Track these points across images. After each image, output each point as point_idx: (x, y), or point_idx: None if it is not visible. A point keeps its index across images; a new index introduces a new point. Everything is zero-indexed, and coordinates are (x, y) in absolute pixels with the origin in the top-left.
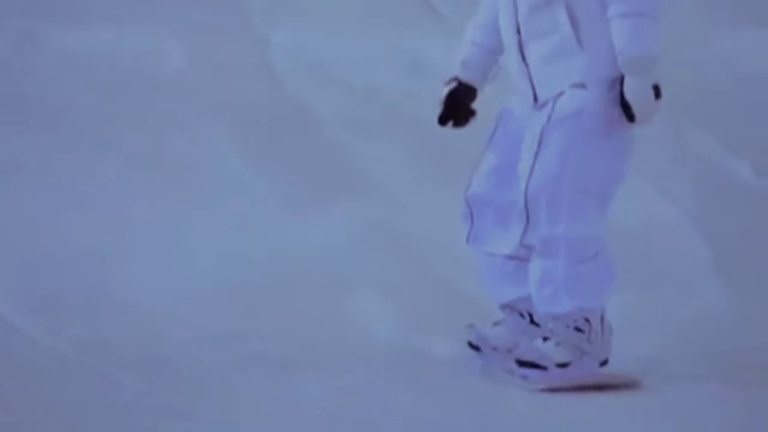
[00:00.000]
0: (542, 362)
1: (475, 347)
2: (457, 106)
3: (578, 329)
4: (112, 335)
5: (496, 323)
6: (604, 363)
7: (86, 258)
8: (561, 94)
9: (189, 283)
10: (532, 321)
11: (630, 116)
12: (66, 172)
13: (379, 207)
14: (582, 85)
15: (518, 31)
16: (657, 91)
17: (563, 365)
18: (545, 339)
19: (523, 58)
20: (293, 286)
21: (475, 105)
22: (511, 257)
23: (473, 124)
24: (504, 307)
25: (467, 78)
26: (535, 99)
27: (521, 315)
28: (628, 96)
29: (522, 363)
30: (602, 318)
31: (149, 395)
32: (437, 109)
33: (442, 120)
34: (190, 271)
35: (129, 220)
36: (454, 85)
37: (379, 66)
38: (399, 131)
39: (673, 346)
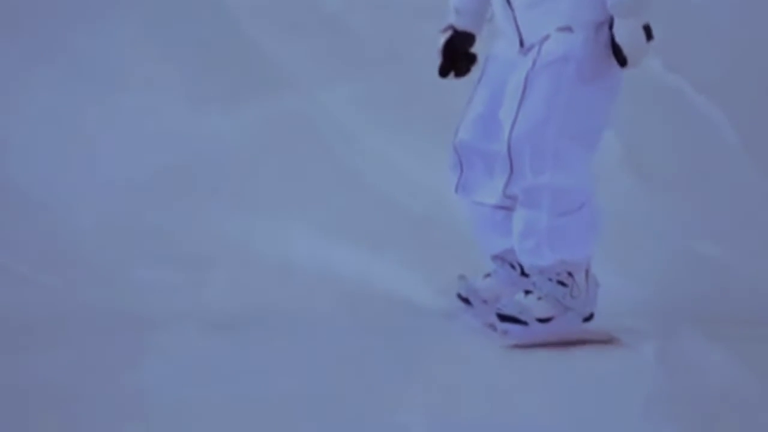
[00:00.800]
0: (523, 317)
1: (464, 300)
2: (456, 55)
3: (561, 283)
4: (11, 229)
5: (487, 275)
6: (589, 318)
7: None
8: (547, 38)
9: (91, 176)
10: (522, 272)
11: (621, 60)
12: None
13: (293, 103)
14: (568, 29)
15: None
16: (648, 33)
17: (545, 320)
18: (527, 293)
19: (509, 1)
20: (200, 181)
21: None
22: (499, 207)
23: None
24: (494, 258)
25: (462, 25)
26: (521, 44)
27: (512, 266)
28: (619, 39)
29: (503, 317)
30: (587, 271)
31: (60, 291)
32: (355, 5)
33: (443, 71)
34: (93, 166)
35: (30, 112)
36: (449, 33)
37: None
38: (316, 29)
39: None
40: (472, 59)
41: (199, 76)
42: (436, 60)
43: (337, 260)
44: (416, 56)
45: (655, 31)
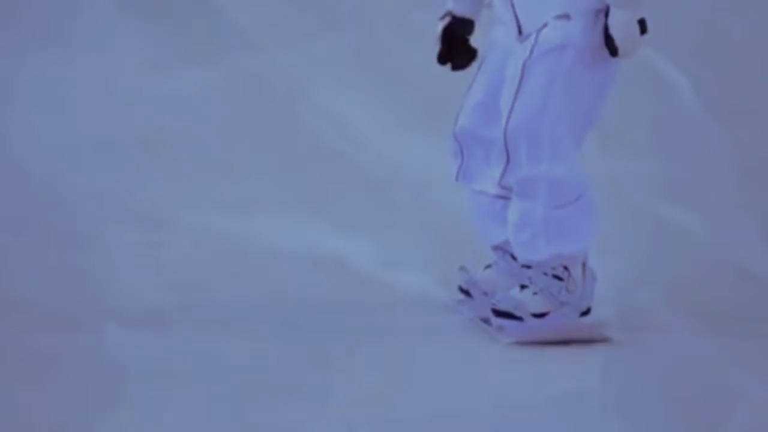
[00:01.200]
0: (518, 312)
1: (464, 291)
2: (455, 42)
3: (557, 277)
4: None
5: (487, 266)
6: (586, 312)
7: None
8: (545, 25)
9: (53, 138)
10: (529, 266)
11: (612, 50)
12: None
13: (254, 65)
14: (566, 16)
15: None
16: (643, 26)
17: (540, 315)
18: (523, 287)
19: None
20: (162, 143)
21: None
22: (499, 197)
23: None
24: (495, 248)
25: (461, 11)
26: (519, 31)
27: (513, 257)
28: (612, 29)
29: (498, 313)
30: (584, 265)
31: (21, 252)
32: None
33: (441, 58)
34: (54, 128)
35: None
36: (448, 20)
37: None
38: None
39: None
40: (471, 54)
41: (160, 38)
42: (433, 46)
43: (294, 220)
44: (378, 18)
45: None
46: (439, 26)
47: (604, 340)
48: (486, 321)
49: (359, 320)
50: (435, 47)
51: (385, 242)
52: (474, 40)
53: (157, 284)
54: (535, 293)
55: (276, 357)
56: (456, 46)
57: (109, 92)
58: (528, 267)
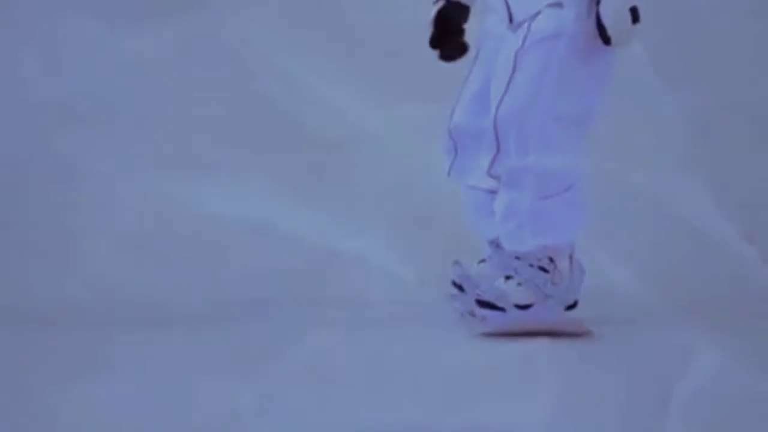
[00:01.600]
0: (500, 303)
1: (458, 286)
2: (448, 27)
3: (542, 269)
4: None
5: (481, 261)
6: (572, 306)
7: None
8: (537, 14)
9: (3, 97)
10: (518, 257)
11: (605, 39)
12: None
13: (208, 25)
14: (559, 5)
15: None
16: (635, 14)
17: (523, 307)
18: (507, 278)
19: None
20: (114, 102)
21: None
22: (492, 191)
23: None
24: (490, 243)
25: None
26: (510, 20)
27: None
28: (604, 17)
29: (481, 303)
30: (571, 257)
31: None
32: None
33: (434, 43)
34: (6, 87)
35: None
36: (442, 3)
37: None
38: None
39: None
40: (462, 48)
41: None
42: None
43: (243, 186)
44: None
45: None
46: (433, 10)
47: (586, 333)
48: (471, 313)
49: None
50: (426, 30)
51: (337, 213)
52: (468, 33)
53: (114, 239)
54: (519, 284)
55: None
56: (449, 33)
57: (64, 50)
58: (517, 258)
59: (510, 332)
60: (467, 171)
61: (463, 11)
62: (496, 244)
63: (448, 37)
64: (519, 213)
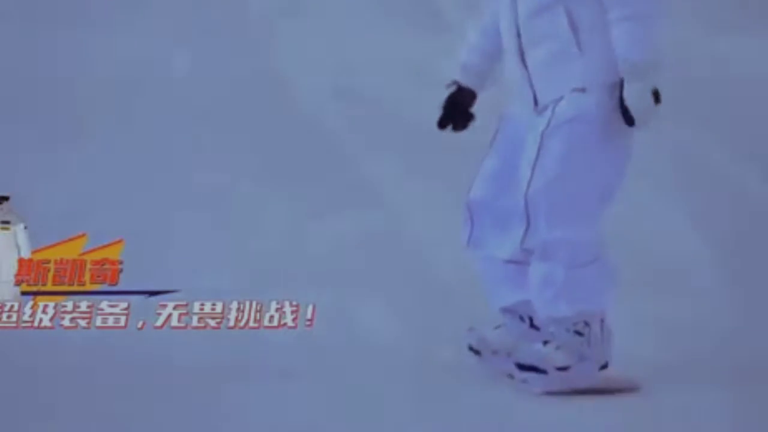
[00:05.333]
0: (542, 366)
1: (475, 351)
2: (457, 110)
3: (578, 333)
4: None
5: (497, 327)
6: (604, 366)
7: None
8: (561, 98)
9: None
10: (531, 325)
11: (629, 121)
12: None
13: (381, 215)
14: (582, 90)
15: (518, 35)
16: (657, 96)
17: (563, 369)
18: (545, 342)
19: (524, 62)
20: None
21: (477, 109)
22: (510, 261)
23: (473, 129)
24: (504, 311)
25: (467, 82)
26: (536, 103)
27: (521, 319)
28: (628, 101)
29: (522, 366)
30: (602, 321)
31: None
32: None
33: (442, 123)
34: None
35: None
36: (453, 89)
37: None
38: (399, 137)
39: (674, 349)
40: (470, 117)
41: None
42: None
43: None
44: None
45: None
46: (447, 94)
47: (634, 388)
48: (509, 376)
49: None
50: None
51: None
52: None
53: None
54: (558, 348)
55: None
56: (456, 114)
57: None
58: (537, 328)
59: (555, 392)
60: (484, 243)
61: (471, 97)
62: (510, 312)
63: (455, 117)
64: (555, 283)
